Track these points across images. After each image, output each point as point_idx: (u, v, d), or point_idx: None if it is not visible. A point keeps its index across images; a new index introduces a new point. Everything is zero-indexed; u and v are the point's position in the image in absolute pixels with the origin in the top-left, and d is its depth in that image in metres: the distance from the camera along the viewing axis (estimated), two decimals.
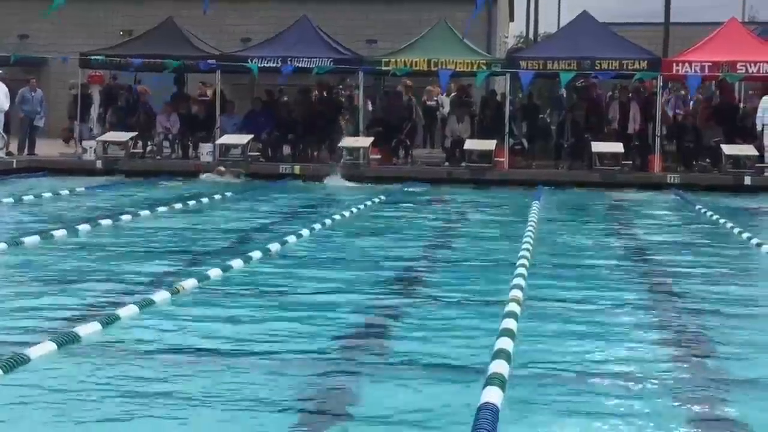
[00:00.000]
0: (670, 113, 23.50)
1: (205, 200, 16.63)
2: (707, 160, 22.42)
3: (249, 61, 22.61)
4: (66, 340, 6.52)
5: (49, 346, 6.34)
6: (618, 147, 21.18)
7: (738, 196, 19.25)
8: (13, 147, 22.96)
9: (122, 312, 7.41)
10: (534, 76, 22.05)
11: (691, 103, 24.25)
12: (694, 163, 22.43)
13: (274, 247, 11.12)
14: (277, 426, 5.14)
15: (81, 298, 8.27)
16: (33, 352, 6.16)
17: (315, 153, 23.75)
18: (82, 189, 18.14)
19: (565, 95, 24.71)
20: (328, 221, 13.72)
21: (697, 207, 16.68)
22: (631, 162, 21.89)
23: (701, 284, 9.70)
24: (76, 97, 24.13)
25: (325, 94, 24.43)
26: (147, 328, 7.22)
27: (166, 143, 23.71)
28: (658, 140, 21.80)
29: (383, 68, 22.86)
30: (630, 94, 22.78)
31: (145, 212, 14.48)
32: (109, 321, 7.17)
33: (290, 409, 5.41)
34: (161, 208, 15.07)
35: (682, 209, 17.18)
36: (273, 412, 5.36)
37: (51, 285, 8.90)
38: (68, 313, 7.62)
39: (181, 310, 7.86)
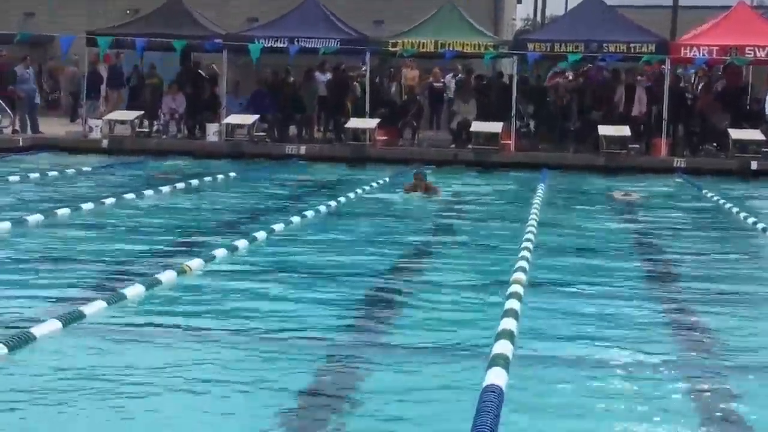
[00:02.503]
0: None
1: (209, 180, 16.64)
2: (714, 144, 22.36)
3: (255, 41, 22.55)
4: (71, 319, 6.54)
5: (54, 325, 6.36)
6: (625, 130, 21.12)
7: (744, 180, 19.20)
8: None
9: (128, 291, 7.44)
10: (540, 58, 21.97)
11: (691, 72, 24.05)
12: (700, 147, 22.38)
13: (279, 227, 11.14)
14: (283, 405, 5.17)
15: (86, 278, 8.30)
16: (38, 331, 6.19)
17: (321, 134, 23.73)
18: (88, 168, 18.16)
19: (571, 78, 24.59)
20: (332, 203, 13.73)
21: (703, 191, 16.66)
22: (637, 146, 21.84)
23: (707, 268, 9.70)
24: (88, 74, 24.07)
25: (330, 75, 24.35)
26: (153, 308, 7.25)
27: (171, 123, 23.70)
28: (664, 124, 21.74)
29: (390, 49, 22.80)
30: (637, 77, 22.71)
31: (150, 191, 14.49)
32: (115, 300, 7.19)
33: (296, 389, 5.44)
34: (166, 188, 15.08)
35: (688, 193, 17.14)
36: (278, 392, 5.39)
37: (56, 264, 8.93)
38: (73, 292, 7.64)
39: (187, 290, 7.89)
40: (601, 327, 7.06)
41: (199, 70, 24.72)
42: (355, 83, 23.84)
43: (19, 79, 22.92)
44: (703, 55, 21.25)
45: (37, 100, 23.65)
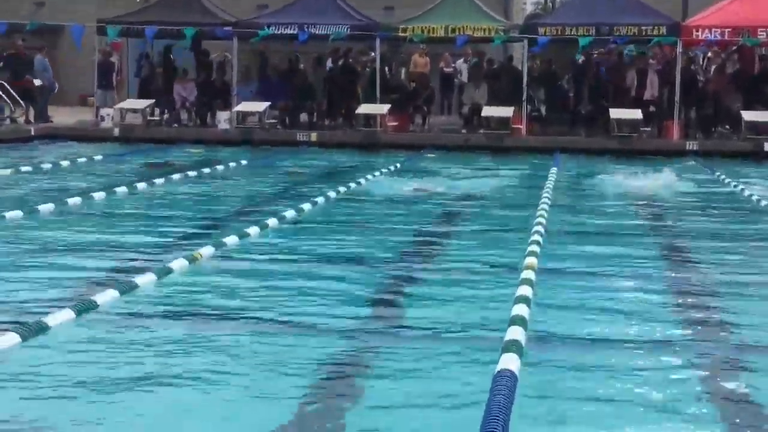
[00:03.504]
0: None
1: (221, 168, 16.64)
2: (727, 126, 22.24)
3: (265, 27, 22.53)
4: (84, 308, 6.56)
5: (67, 314, 6.38)
6: (636, 114, 21.05)
7: (757, 163, 19.10)
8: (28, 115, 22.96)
9: (140, 280, 7.45)
10: (550, 42, 21.88)
11: (699, 54, 23.93)
12: (713, 129, 22.26)
13: (290, 214, 11.14)
14: (297, 392, 5.16)
15: (98, 267, 8.31)
16: (51, 320, 6.21)
17: (332, 120, 23.71)
18: (99, 156, 18.20)
19: (581, 62, 24.49)
20: (342, 189, 13.72)
21: (717, 174, 16.58)
22: (649, 129, 21.76)
23: (721, 252, 9.65)
24: (99, 63, 24.10)
25: (340, 62, 24.31)
26: (165, 296, 7.26)
27: (183, 111, 23.73)
28: (676, 107, 21.64)
29: (400, 35, 22.73)
30: (649, 60, 22.61)
31: (161, 180, 14.51)
32: (127, 289, 7.20)
33: (306, 377, 5.43)
34: (177, 176, 15.10)
35: (701, 176, 17.06)
36: (292, 378, 5.39)
37: (67, 253, 8.95)
38: (85, 282, 7.66)
39: (199, 278, 7.90)
40: (615, 312, 7.03)
41: (210, 58, 24.72)
42: (366, 69, 23.78)
43: (38, 68, 22.96)
44: (715, 36, 21.11)
45: (55, 89, 23.71)
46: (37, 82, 22.82)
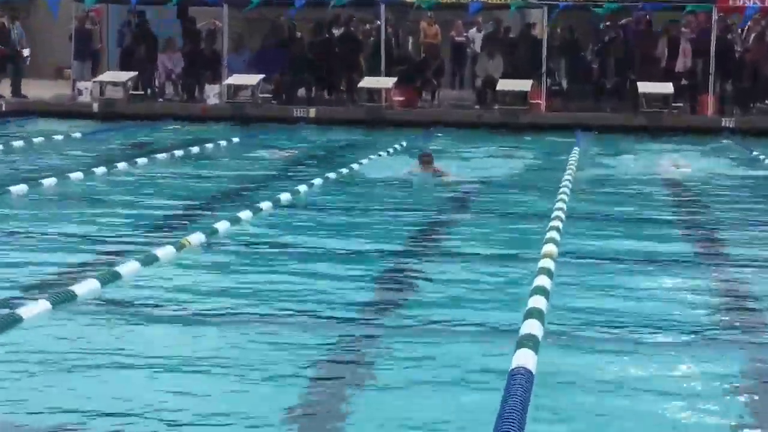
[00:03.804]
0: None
1: (210, 147, 16.65)
2: (767, 101, 22.19)
3: None
4: (61, 299, 6.57)
5: (43, 306, 6.39)
6: (667, 87, 20.98)
7: None
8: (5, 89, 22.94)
9: (123, 269, 7.47)
10: (572, 8, 21.82)
11: (739, 28, 23.87)
12: (751, 105, 22.21)
13: (286, 197, 11.16)
14: (290, 390, 5.19)
15: (77, 254, 8.34)
16: (26, 312, 6.22)
17: (332, 95, 23.71)
18: (78, 134, 18.20)
19: (607, 29, 24.42)
20: (344, 170, 13.73)
21: (754, 153, 16.56)
22: (681, 104, 21.71)
23: (757, 238, 9.66)
24: (75, 33, 24.08)
25: (341, 30, 24.29)
26: (150, 287, 7.28)
27: (168, 84, 23.72)
28: (711, 79, 21.58)
29: (407, 0, 22.68)
30: (682, 29, 22.53)
31: (145, 160, 14.53)
32: (108, 279, 7.22)
33: (305, 374, 5.44)
34: (162, 155, 15.11)
35: (737, 155, 17.05)
36: (284, 377, 5.41)
37: (42, 240, 8.97)
38: (63, 270, 7.68)
39: (186, 267, 7.92)
40: (640, 304, 7.04)
41: (198, 26, 24.69)
42: (369, 38, 23.75)
43: (18, 36, 22.96)
44: (755, 3, 21.04)
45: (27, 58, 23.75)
46: (26, 52, 22.84)
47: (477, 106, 22.62)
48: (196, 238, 8.72)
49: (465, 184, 13.01)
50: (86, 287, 6.89)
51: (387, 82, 22.14)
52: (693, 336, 6.33)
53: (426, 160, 13.68)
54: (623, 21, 23.85)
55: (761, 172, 14.84)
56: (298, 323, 6.46)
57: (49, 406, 4.90)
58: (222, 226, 9.31)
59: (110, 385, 5.24)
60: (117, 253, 8.24)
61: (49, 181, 11.95)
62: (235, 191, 12.26)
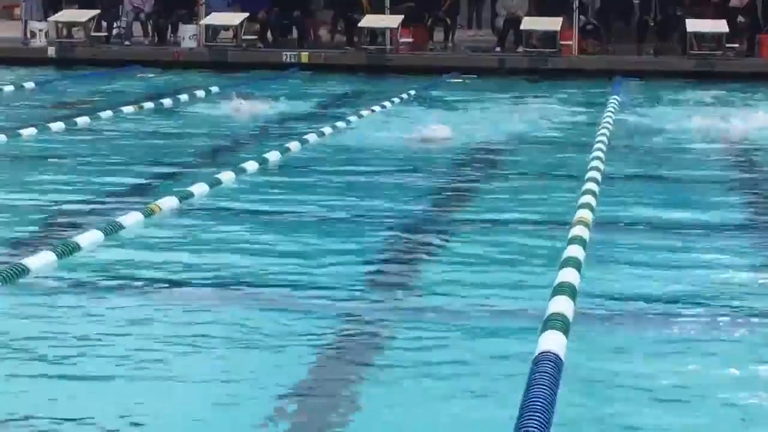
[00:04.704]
0: None
1: (184, 97, 16.62)
2: None
3: None
4: (11, 275, 6.57)
5: None
6: (721, 25, 20.89)
7: None
8: None
9: (82, 239, 7.45)
10: None
11: None
12: None
13: (274, 156, 11.14)
14: (282, 381, 5.18)
15: (29, 223, 8.34)
16: None
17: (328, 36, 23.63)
18: (31, 84, 18.17)
19: None
20: (341, 123, 13.69)
21: None
22: (736, 45, 21.62)
23: None
24: None
25: None
26: (113, 260, 7.26)
27: (136, 25, 23.66)
28: None
29: None
30: None
31: (109, 113, 14.50)
32: (65, 251, 7.21)
33: (299, 359, 5.41)
34: (129, 108, 15.07)
35: None
36: (273, 367, 5.40)
37: None
38: (13, 242, 7.67)
39: (156, 236, 7.92)
40: (685, 279, 7.02)
41: None
42: None
43: None
44: None
45: None
46: None
47: (498, 49, 22.56)
48: (168, 203, 8.70)
49: (484, 141, 12.96)
50: (40, 261, 6.89)
51: (392, 20, 22.05)
52: (736, 316, 6.31)
53: None
54: None
55: None
56: (290, 302, 6.45)
57: (5, 393, 4.92)
58: (198, 189, 9.29)
59: (69, 373, 5.23)
60: (76, 223, 8.23)
61: None
62: (215, 149, 12.25)
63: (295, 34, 23.75)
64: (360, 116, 14.52)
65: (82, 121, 13.77)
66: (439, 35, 23.86)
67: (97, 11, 23.35)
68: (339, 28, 23.79)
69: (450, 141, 12.69)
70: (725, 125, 14.60)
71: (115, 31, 24.02)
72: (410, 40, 22.47)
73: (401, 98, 16.69)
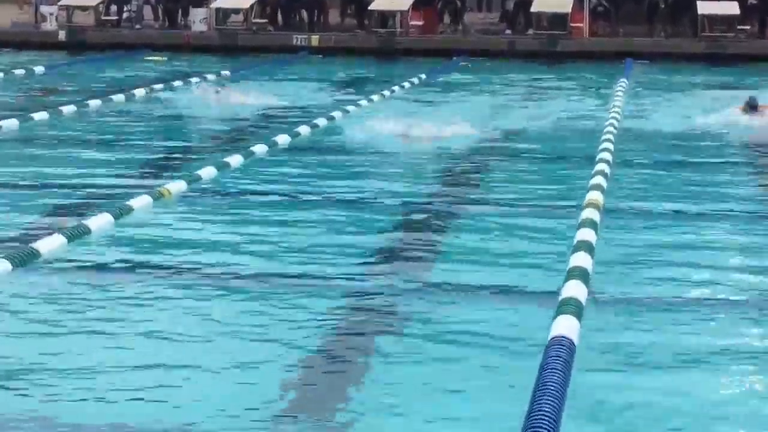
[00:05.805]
0: None
1: (195, 81, 16.61)
2: None
3: None
4: (24, 258, 6.58)
5: (2, 265, 6.39)
6: (732, 8, 20.81)
7: None
8: None
9: (92, 222, 7.45)
10: None
11: None
12: None
13: (284, 139, 11.12)
14: (286, 363, 5.16)
15: (41, 206, 8.34)
16: None
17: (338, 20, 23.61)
18: (41, 68, 18.18)
19: None
20: (352, 107, 13.67)
21: None
22: (748, 27, 21.55)
23: None
24: None
25: None
26: (123, 242, 7.27)
27: (147, 8, 23.67)
28: None
29: None
30: None
31: (120, 96, 14.50)
32: (76, 234, 7.22)
33: (305, 345, 5.40)
34: (139, 92, 15.07)
35: None
36: (281, 346, 5.37)
37: (2, 189, 8.98)
38: (25, 225, 7.67)
39: (165, 219, 7.91)
40: (696, 262, 7.00)
41: None
42: None
43: None
44: None
45: None
46: None
47: (508, 32, 22.52)
48: (177, 186, 8.70)
49: (495, 123, 12.94)
50: (50, 244, 6.89)
51: (402, 3, 22.01)
52: (745, 302, 6.29)
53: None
54: None
55: None
56: (299, 284, 6.43)
57: (13, 369, 4.91)
58: (207, 172, 9.29)
59: (76, 354, 5.23)
60: (86, 205, 8.23)
61: (8, 123, 11.93)
62: (224, 133, 12.23)
63: (305, 17, 23.73)
64: (371, 99, 14.51)
65: (92, 104, 13.79)
66: (448, 17, 23.83)
67: None
68: (349, 12, 23.74)
69: (460, 126, 12.68)
70: (736, 107, 14.55)
71: (125, 15, 24.00)
72: (420, 23, 22.43)
73: (412, 82, 16.66)
